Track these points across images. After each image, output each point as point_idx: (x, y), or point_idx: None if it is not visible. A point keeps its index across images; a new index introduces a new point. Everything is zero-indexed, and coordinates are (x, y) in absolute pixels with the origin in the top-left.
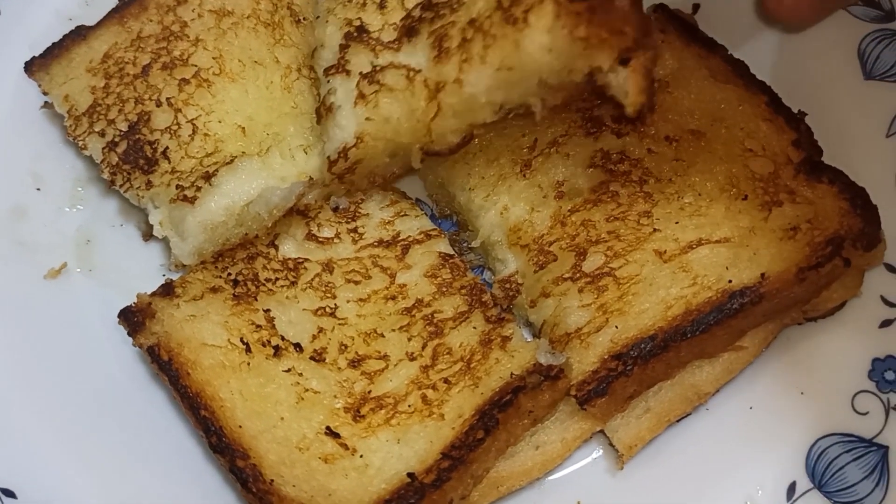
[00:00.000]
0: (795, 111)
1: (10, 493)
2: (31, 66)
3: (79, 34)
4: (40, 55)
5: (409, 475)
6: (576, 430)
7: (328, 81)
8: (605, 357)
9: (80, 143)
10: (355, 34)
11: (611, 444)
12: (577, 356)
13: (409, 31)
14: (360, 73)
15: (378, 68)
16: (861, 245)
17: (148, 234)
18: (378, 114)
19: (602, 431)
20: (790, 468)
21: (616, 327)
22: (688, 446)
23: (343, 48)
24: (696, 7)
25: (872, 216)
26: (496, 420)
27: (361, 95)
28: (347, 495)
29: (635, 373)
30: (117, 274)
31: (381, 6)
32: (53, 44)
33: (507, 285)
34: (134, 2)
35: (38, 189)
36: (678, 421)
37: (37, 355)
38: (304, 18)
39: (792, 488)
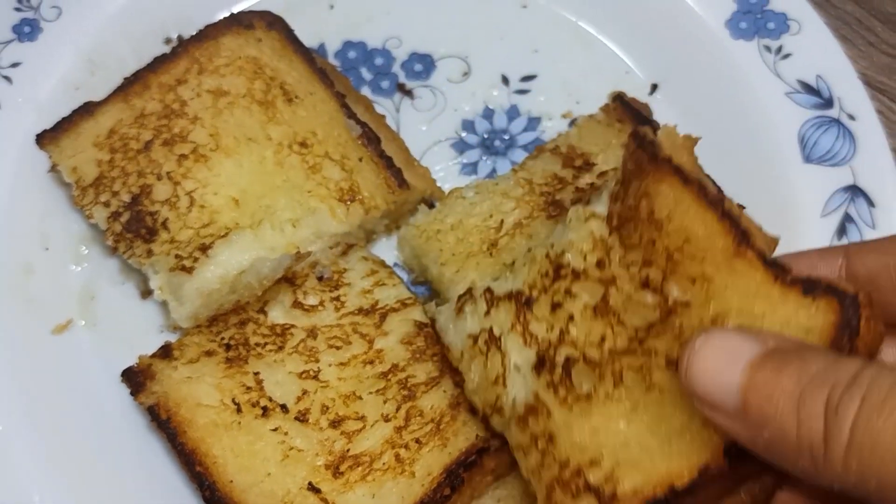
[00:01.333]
0: (736, 203)
1: None
2: (43, 139)
3: (86, 110)
4: (51, 129)
5: None
6: None
7: (479, 297)
8: None
9: (87, 211)
10: (524, 301)
11: None
12: None
13: (539, 361)
14: (483, 328)
15: (498, 342)
16: None
17: (146, 293)
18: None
19: None
20: None
21: None
22: None
23: (505, 297)
24: (654, 87)
25: None
26: (462, 479)
27: (473, 343)
28: None
29: None
30: (119, 329)
31: (554, 308)
32: (63, 119)
33: None
34: (137, 81)
35: (47, 248)
36: None
37: (45, 404)
38: (296, 97)
39: None
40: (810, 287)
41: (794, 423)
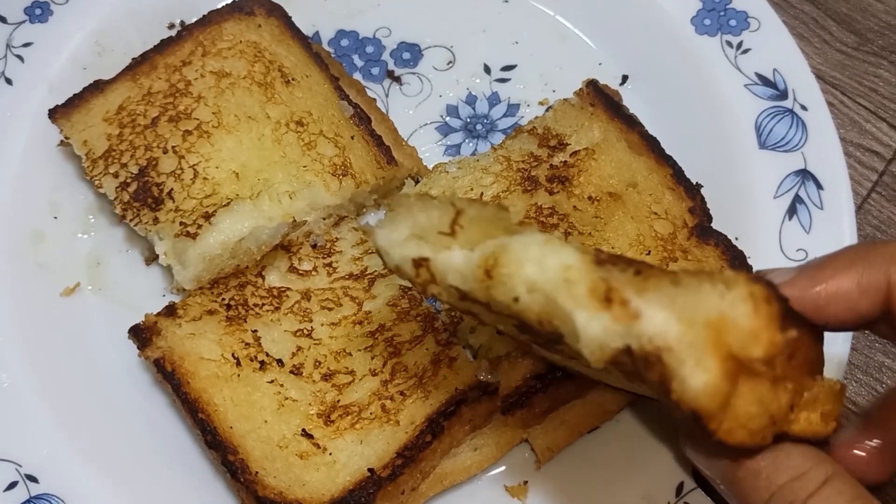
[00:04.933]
0: (694, 182)
1: (33, 479)
2: (55, 114)
3: (97, 88)
4: (63, 105)
5: (369, 470)
6: (508, 436)
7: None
8: (527, 376)
9: (97, 182)
10: None
11: (532, 449)
12: (505, 374)
13: None
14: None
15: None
16: None
17: (150, 260)
18: None
19: (526, 439)
20: (679, 471)
21: None
22: (597, 451)
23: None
24: (624, 78)
25: None
26: (442, 427)
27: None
28: (318, 486)
29: (550, 391)
30: (124, 293)
31: None
32: (74, 95)
33: (453, 313)
34: (145, 62)
35: (56, 217)
36: (590, 432)
37: (54, 362)
38: (293, 80)
39: (680, 488)
40: None
41: None
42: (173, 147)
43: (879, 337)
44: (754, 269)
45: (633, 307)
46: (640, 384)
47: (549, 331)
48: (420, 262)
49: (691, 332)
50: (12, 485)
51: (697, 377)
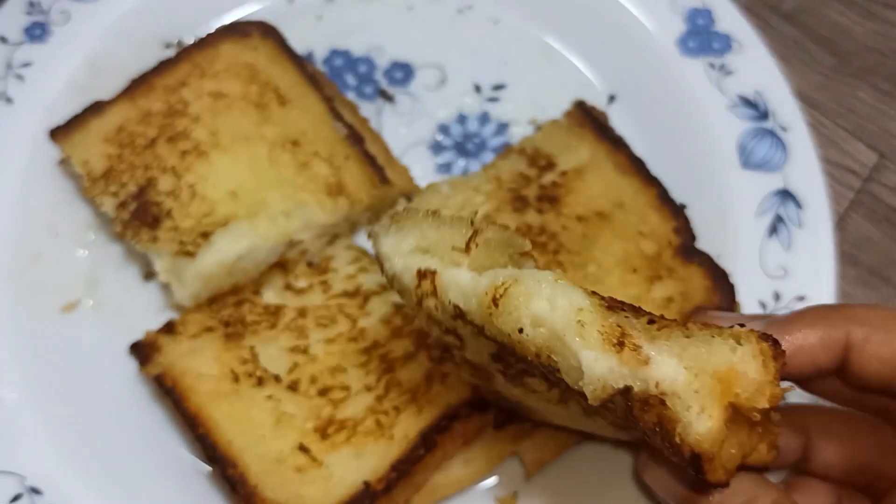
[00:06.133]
0: (679, 202)
1: (37, 491)
2: (56, 134)
3: (97, 108)
4: (63, 125)
5: (365, 483)
6: (498, 450)
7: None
8: None
9: (97, 201)
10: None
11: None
12: None
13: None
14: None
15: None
16: None
17: (148, 276)
18: None
19: (516, 452)
20: None
21: None
22: (584, 464)
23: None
24: (611, 98)
25: (729, 293)
26: (435, 441)
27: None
28: (315, 499)
29: None
30: (122, 309)
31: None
32: (75, 116)
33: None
34: (143, 83)
35: (55, 234)
36: (576, 444)
37: (53, 377)
38: (288, 100)
39: None
40: None
41: None
42: (171, 167)
43: (816, 395)
44: (735, 286)
45: (644, 353)
46: (603, 420)
47: (543, 363)
48: (425, 274)
49: (699, 381)
50: (17, 497)
51: (703, 423)
